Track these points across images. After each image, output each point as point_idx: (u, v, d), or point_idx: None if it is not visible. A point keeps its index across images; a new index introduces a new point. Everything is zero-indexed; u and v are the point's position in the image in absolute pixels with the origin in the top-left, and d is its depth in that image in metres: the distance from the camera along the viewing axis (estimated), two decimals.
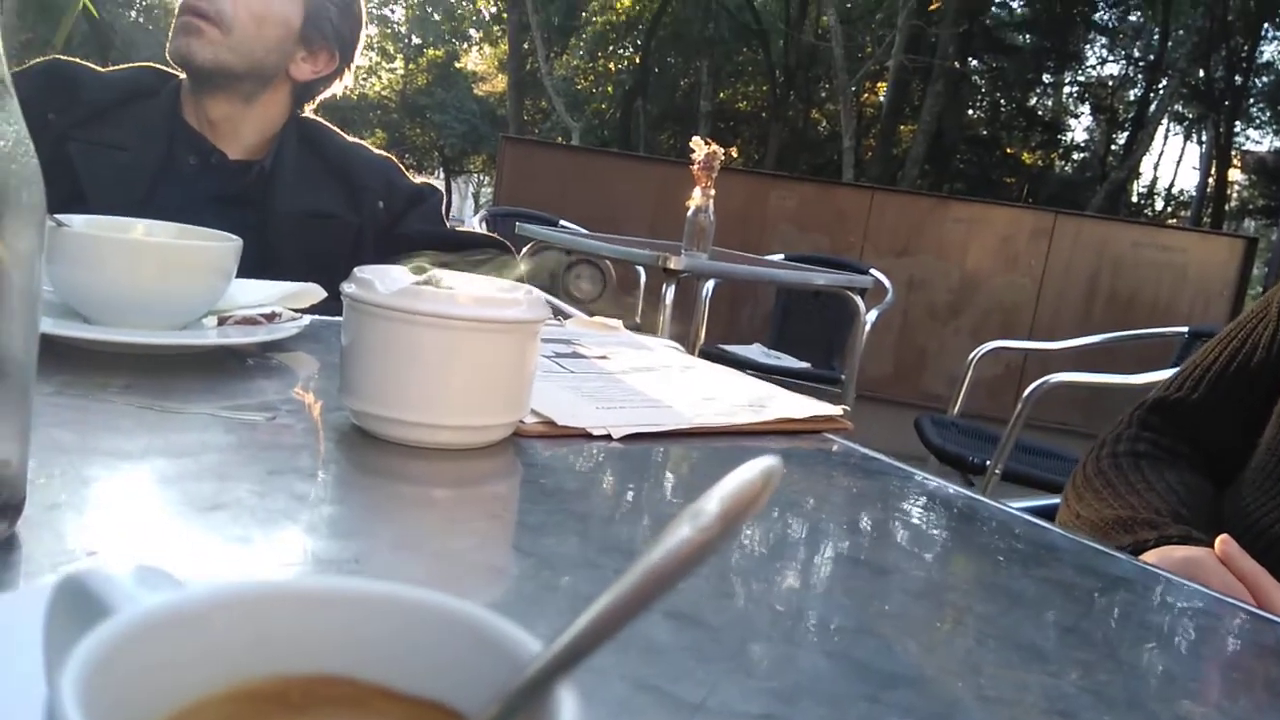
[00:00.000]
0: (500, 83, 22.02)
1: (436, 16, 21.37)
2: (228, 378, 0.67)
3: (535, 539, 0.44)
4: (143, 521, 0.40)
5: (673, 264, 2.55)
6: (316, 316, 0.84)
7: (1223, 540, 0.71)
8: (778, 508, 0.56)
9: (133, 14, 21.08)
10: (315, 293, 0.85)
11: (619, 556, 0.43)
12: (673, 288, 2.67)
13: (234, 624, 0.18)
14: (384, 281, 0.55)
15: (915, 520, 0.56)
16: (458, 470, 0.54)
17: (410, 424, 0.55)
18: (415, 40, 22.44)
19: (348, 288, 0.56)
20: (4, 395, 0.36)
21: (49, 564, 0.35)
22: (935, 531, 0.55)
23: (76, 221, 0.69)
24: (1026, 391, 2.19)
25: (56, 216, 0.66)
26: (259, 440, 0.52)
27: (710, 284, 3.55)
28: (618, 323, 1.09)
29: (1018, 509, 1.10)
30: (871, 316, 3.43)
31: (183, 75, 1.26)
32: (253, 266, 0.82)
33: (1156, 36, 17.43)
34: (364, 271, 0.57)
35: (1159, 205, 21.88)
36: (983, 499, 0.60)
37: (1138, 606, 0.47)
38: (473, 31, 22.71)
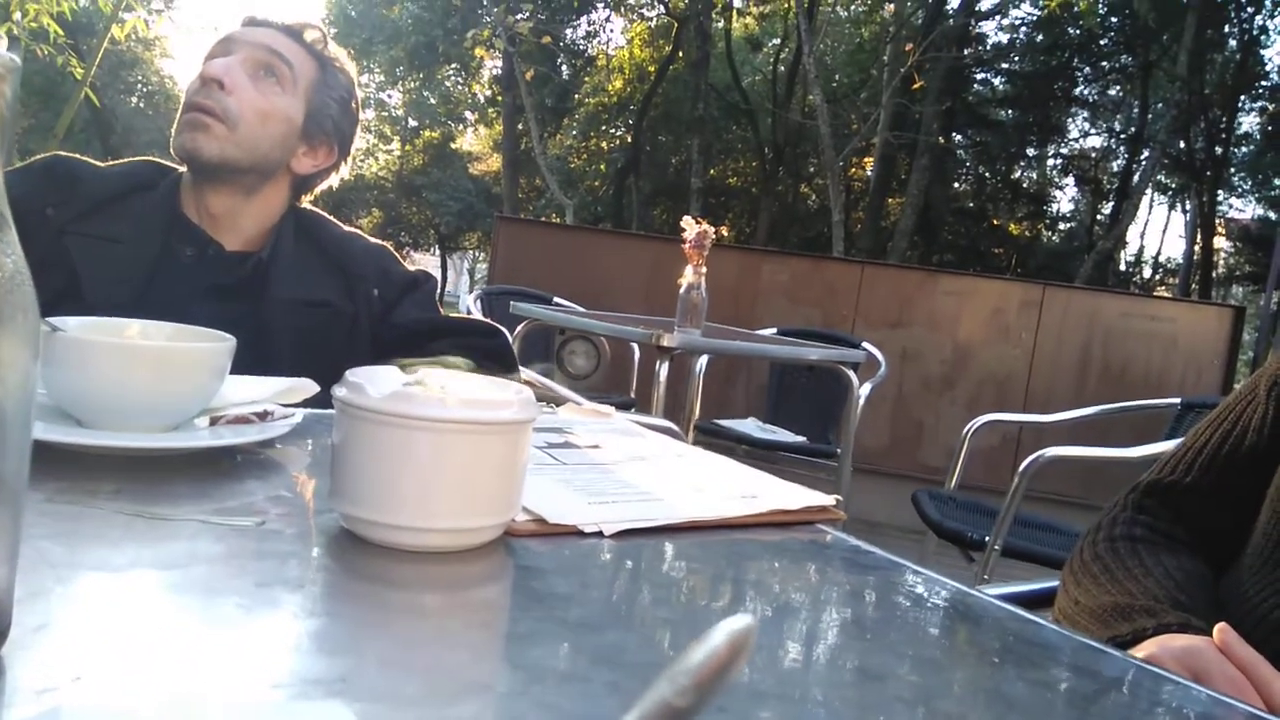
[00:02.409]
0: (495, 162, 22.45)
1: (433, 100, 21.87)
2: (218, 478, 0.66)
3: (525, 650, 0.44)
4: (129, 642, 0.40)
5: (666, 341, 2.57)
6: (309, 410, 0.84)
7: (1221, 629, 0.71)
8: (771, 608, 0.56)
9: (134, 100, 21.55)
10: (307, 388, 0.85)
11: (608, 668, 0.42)
12: (666, 364, 2.68)
13: None
14: (374, 384, 0.56)
15: (909, 619, 0.55)
16: (448, 574, 0.54)
17: (401, 528, 0.55)
18: (412, 123, 22.92)
19: (338, 391, 0.56)
20: None
21: (33, 692, 0.35)
22: (929, 631, 0.54)
23: (70, 324, 0.70)
24: (1022, 466, 2.19)
25: (50, 320, 0.67)
26: (248, 548, 0.52)
27: (704, 359, 3.57)
28: (610, 409, 1.09)
29: (1016, 593, 1.09)
30: (865, 390, 3.45)
31: (183, 169, 1.29)
32: (249, 355, 0.83)
33: (1137, 110, 17.88)
34: (355, 374, 0.57)
35: (1147, 273, 22.17)
36: (977, 593, 0.60)
37: (1134, 709, 0.47)
38: (468, 114, 23.23)
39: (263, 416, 0.75)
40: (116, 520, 0.54)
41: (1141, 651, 0.72)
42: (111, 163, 1.33)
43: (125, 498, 0.58)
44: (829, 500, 0.76)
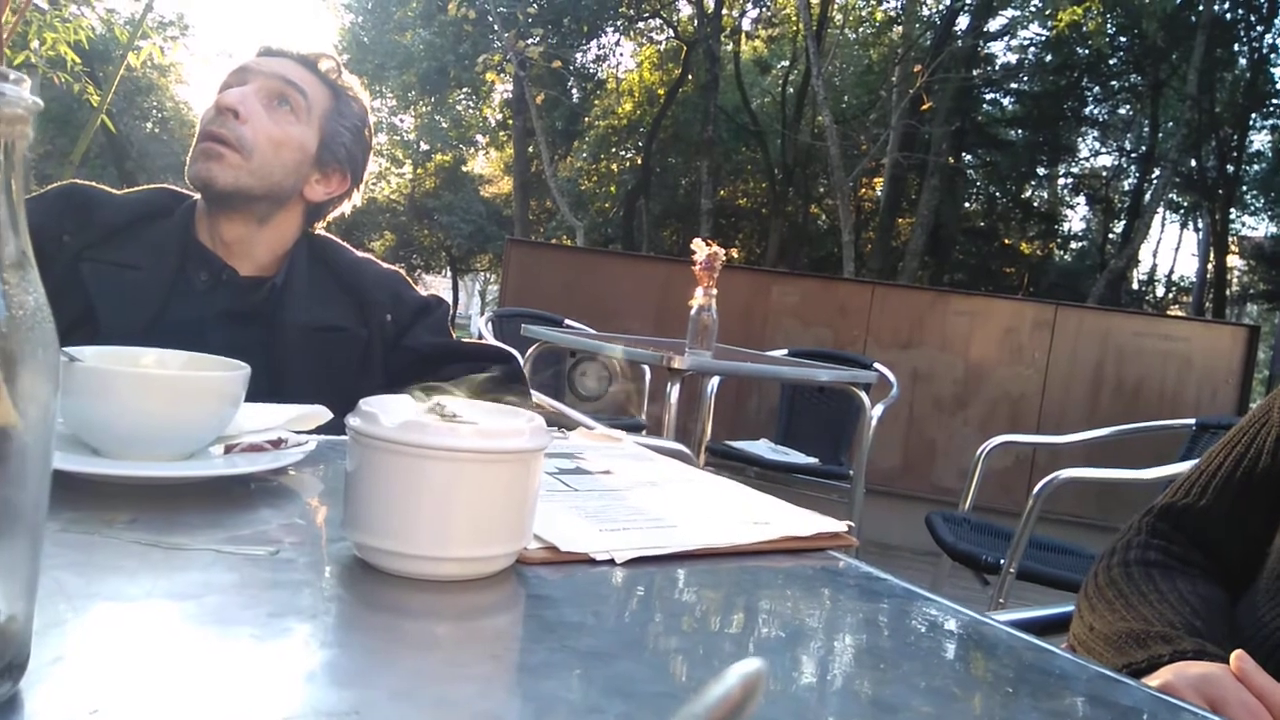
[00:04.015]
0: (506, 184, 22.58)
1: (444, 124, 22.02)
2: (232, 507, 0.67)
3: (536, 681, 0.44)
4: (144, 674, 0.40)
5: (677, 363, 2.57)
6: (323, 437, 0.85)
7: (1237, 656, 0.70)
8: (783, 637, 0.56)
9: (149, 126, 21.80)
10: (321, 415, 0.86)
11: (621, 700, 0.42)
12: (677, 386, 2.68)
13: None
14: (388, 413, 0.56)
15: (922, 648, 0.55)
16: (459, 604, 0.54)
17: (414, 557, 0.55)
18: (424, 147, 23.07)
19: (352, 420, 0.57)
20: (13, 553, 0.36)
21: None
22: (942, 661, 0.54)
23: (88, 354, 0.71)
24: (1036, 489, 2.18)
25: (68, 350, 0.68)
26: (261, 578, 0.52)
27: (715, 380, 3.57)
28: (621, 434, 1.09)
29: (1031, 619, 1.08)
30: (877, 411, 3.43)
31: (198, 196, 1.30)
32: (263, 380, 0.83)
33: (1147, 129, 17.87)
34: (368, 404, 0.58)
35: (1160, 292, 22.08)
36: (990, 621, 0.60)
37: None
38: (479, 137, 23.37)
39: (276, 444, 0.76)
40: (132, 550, 0.55)
41: (1157, 679, 0.72)
42: (127, 190, 1.34)
43: (141, 527, 0.59)
44: (840, 526, 0.76)
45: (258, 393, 0.82)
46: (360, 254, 1.42)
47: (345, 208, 1.41)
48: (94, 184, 1.33)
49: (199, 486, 0.70)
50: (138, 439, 0.69)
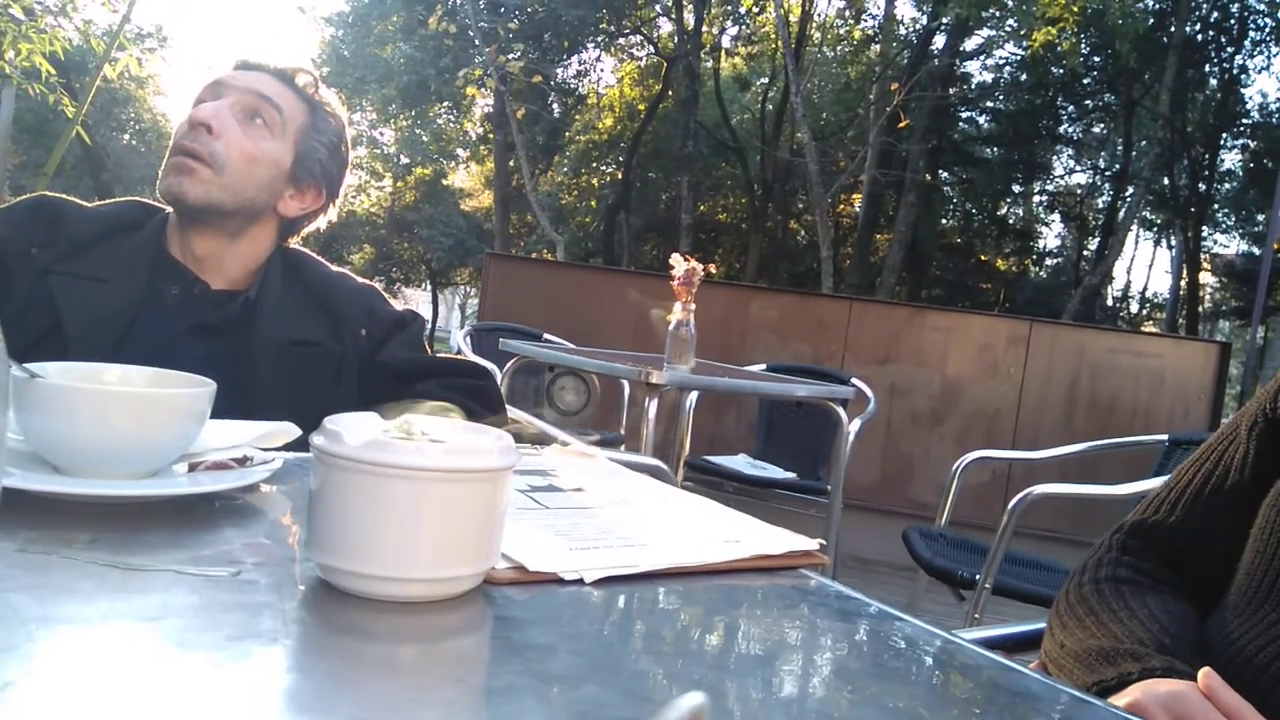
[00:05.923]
0: (487, 198, 22.59)
1: (425, 138, 21.98)
2: (195, 525, 0.66)
3: (500, 705, 0.43)
4: (97, 701, 0.39)
5: (655, 378, 2.56)
6: (291, 454, 0.84)
7: (1205, 674, 0.71)
8: (751, 657, 0.55)
9: (125, 137, 21.65)
10: (289, 432, 0.85)
11: None
12: (655, 400, 2.68)
13: None
14: (352, 432, 0.55)
15: (891, 669, 0.55)
16: (424, 625, 0.53)
17: (378, 578, 0.54)
18: (404, 160, 23.02)
19: (316, 439, 0.56)
20: None
21: None
22: (911, 682, 0.54)
23: (50, 370, 0.69)
24: (1011, 504, 2.19)
25: (29, 366, 0.67)
26: (221, 600, 0.51)
27: (694, 395, 3.56)
28: (596, 450, 1.09)
29: (1004, 636, 1.09)
30: (855, 426, 3.44)
31: (169, 209, 1.29)
32: (235, 395, 0.82)
33: (1121, 147, 18.12)
34: (333, 422, 0.57)
35: (1134, 308, 22.35)
36: (960, 641, 0.60)
37: None
38: (460, 151, 23.34)
39: (241, 462, 0.75)
40: (90, 571, 0.54)
41: (1126, 697, 0.72)
42: (99, 203, 1.33)
43: (100, 547, 0.58)
44: (812, 544, 0.76)
45: (229, 408, 0.81)
46: (335, 269, 1.41)
47: (320, 223, 1.40)
48: (64, 196, 1.31)
49: (161, 505, 0.68)
50: (100, 457, 0.68)
